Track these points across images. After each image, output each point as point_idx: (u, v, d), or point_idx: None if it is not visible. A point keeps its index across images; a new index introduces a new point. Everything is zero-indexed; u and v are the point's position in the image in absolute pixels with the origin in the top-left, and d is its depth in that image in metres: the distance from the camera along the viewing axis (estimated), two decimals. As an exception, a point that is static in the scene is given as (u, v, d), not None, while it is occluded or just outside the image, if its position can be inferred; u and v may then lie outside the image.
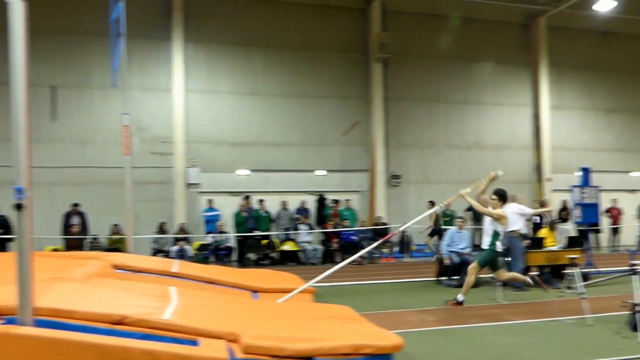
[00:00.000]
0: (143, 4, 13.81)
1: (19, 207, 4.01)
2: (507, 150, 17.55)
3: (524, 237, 9.53)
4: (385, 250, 14.61)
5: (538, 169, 17.78)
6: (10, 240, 12.47)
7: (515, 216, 9.28)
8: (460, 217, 11.23)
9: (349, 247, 14.21)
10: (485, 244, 7.52)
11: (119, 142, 13.63)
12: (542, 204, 12.75)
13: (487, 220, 7.63)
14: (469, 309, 7.44)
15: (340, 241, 14.24)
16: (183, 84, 14.66)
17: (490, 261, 7.50)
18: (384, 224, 15.16)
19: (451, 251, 9.89)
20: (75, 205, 13.18)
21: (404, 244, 15.23)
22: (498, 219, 7.37)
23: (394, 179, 16.35)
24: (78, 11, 13.73)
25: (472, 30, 17.11)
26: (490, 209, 7.47)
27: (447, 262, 9.80)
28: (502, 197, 7.57)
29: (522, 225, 9.44)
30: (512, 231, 9.17)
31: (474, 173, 16.75)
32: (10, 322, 3.90)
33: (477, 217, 15.50)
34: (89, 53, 13.92)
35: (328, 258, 14.12)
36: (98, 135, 14.09)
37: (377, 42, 15.75)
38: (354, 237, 14.39)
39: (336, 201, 15.10)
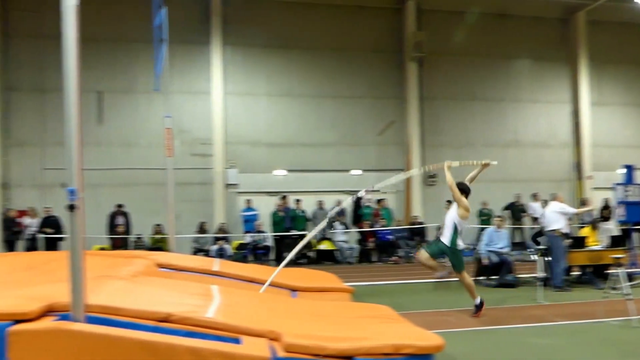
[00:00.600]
0: (184, 11, 14.19)
1: (71, 208, 4.21)
2: (546, 148, 17.15)
3: (565, 236, 9.31)
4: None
5: (578, 166, 17.30)
6: (60, 239, 13.08)
7: (557, 215, 9.09)
8: (499, 216, 11.04)
9: (385, 246, 14.23)
10: (446, 238, 7.07)
11: (161, 145, 14.06)
12: (584, 203, 12.43)
13: (450, 211, 7.21)
14: (509, 309, 7.35)
15: (376, 240, 14.25)
16: (222, 87, 14.99)
17: (460, 260, 7.12)
18: (420, 223, 15.06)
19: (489, 250, 9.76)
20: (120, 206, 13.67)
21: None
22: (463, 209, 6.92)
23: (430, 178, 16.20)
24: (123, 19, 14.28)
25: (508, 27, 16.81)
26: (464, 199, 7.02)
27: (485, 261, 9.68)
28: (464, 191, 7.06)
29: (563, 224, 9.22)
30: (554, 230, 8.98)
31: (512, 171, 16.49)
32: (64, 318, 4.11)
33: (516, 216, 15.26)
34: (133, 59, 14.44)
35: (364, 257, 14.16)
36: (142, 138, 14.59)
37: (412, 42, 15.67)
38: (390, 237, 14.37)
39: (380, 200, 15.05)
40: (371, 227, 14.32)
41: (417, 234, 14.78)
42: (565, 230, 9.34)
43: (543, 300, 7.80)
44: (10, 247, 13.07)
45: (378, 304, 5.61)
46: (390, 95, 16.13)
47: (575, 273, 9.63)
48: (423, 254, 7.29)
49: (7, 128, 14.11)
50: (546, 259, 8.80)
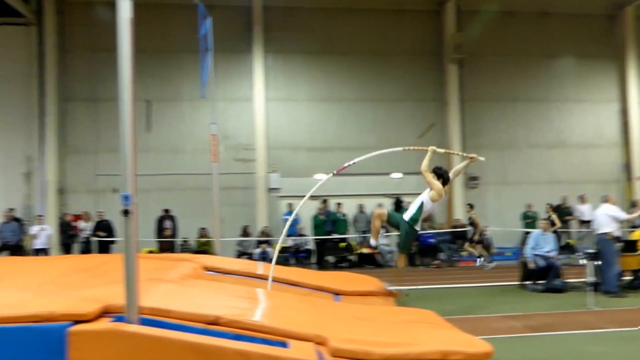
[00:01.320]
0: (227, 21, 14.53)
1: (126, 213, 4.41)
2: (593, 148, 16.58)
3: (617, 240, 8.99)
4: (465, 253, 14.30)
5: (627, 167, 16.63)
6: (112, 242, 13.62)
7: (607, 218, 8.79)
8: (545, 219, 10.76)
9: (428, 250, 14.09)
10: (408, 214, 6.82)
11: (206, 150, 14.44)
12: (634, 205, 11.94)
13: (424, 192, 6.94)
14: (558, 315, 7.15)
15: (418, 244, 14.13)
16: (263, 94, 15.26)
17: (408, 240, 6.94)
18: (463, 226, 14.82)
19: (536, 254, 9.53)
20: (167, 210, 14.10)
21: (484, 246, 14.75)
22: (435, 192, 6.60)
23: (472, 180, 15.95)
24: (169, 31, 14.85)
25: (550, 25, 16.39)
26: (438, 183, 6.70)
27: (531, 266, 9.46)
28: (441, 176, 6.76)
29: (615, 227, 8.90)
30: (605, 233, 8.69)
31: (557, 173, 16.03)
32: (119, 319, 4.29)
33: (563, 218, 14.78)
34: (179, 68, 14.94)
35: (407, 261, 14.03)
36: (187, 144, 15.04)
37: (452, 43, 15.50)
38: (432, 240, 14.22)
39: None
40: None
41: (459, 238, 14.56)
42: (617, 233, 9.02)
43: (593, 306, 7.55)
44: (66, 249, 13.71)
45: (422, 308, 5.58)
46: (431, 97, 16.00)
47: (627, 278, 9.28)
48: (381, 210, 7.17)
49: (63, 137, 14.87)
50: (596, 263, 8.52)
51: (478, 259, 12.44)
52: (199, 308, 4.57)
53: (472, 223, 13.19)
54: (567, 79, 16.61)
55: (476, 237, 12.91)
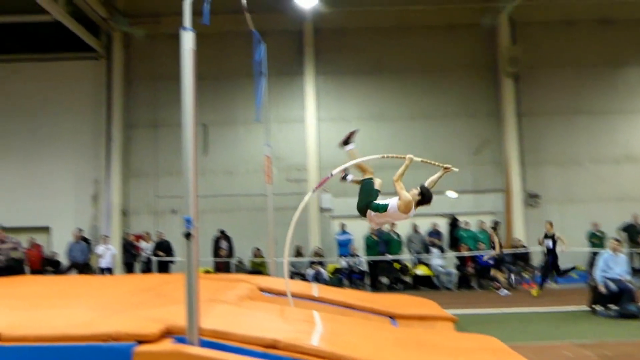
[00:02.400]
0: (279, 45, 14.86)
1: (187, 236, 4.53)
2: (665, 162, 15.56)
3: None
4: (527, 275, 13.72)
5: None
6: (171, 262, 14.05)
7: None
8: (615, 239, 10.14)
9: (486, 271, 13.60)
10: (376, 200, 6.31)
11: (259, 172, 14.81)
12: None
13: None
14: (636, 345, 6.64)
15: (476, 265, 13.69)
16: (315, 114, 15.44)
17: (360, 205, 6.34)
18: (524, 246, 14.25)
19: (606, 277, 8.99)
20: (223, 231, 14.40)
21: (548, 268, 14.07)
22: (403, 204, 6.01)
23: (532, 198, 15.35)
24: (225, 57, 15.35)
25: (613, 33, 15.65)
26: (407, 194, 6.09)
27: (602, 289, 8.92)
28: (424, 195, 6.16)
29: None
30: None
31: (627, 189, 15.16)
32: (180, 340, 4.37)
33: (635, 238, 13.95)
34: (233, 93, 15.40)
35: (463, 283, 13.64)
36: (242, 166, 15.40)
37: (506, 57, 15.12)
38: (490, 261, 13.73)
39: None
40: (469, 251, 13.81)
41: (520, 259, 14.00)
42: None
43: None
44: (129, 268, 14.23)
45: (484, 334, 5.37)
46: (485, 113, 15.62)
47: None
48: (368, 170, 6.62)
49: (127, 161, 15.62)
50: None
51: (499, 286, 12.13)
52: (257, 331, 4.59)
53: (492, 243, 12.88)
54: (633, 88, 15.76)
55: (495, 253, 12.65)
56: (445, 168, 6.44)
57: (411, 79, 15.68)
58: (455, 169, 6.42)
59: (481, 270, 13.56)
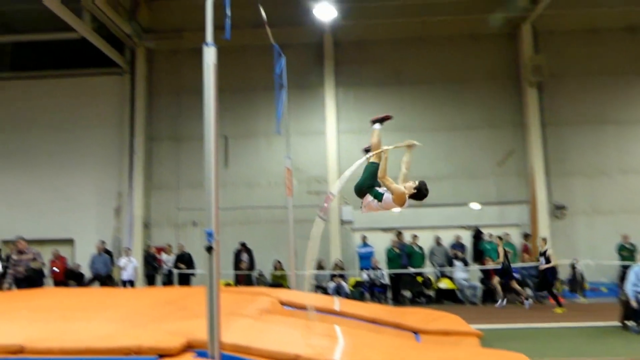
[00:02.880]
0: (299, 58, 14.92)
1: (209, 249, 4.51)
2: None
3: None
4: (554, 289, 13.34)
5: None
6: (192, 275, 14.09)
7: None
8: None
9: (511, 285, 13.29)
10: (375, 186, 6.03)
11: (279, 184, 14.83)
12: None
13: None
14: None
15: (501, 280, 13.37)
16: (335, 126, 15.40)
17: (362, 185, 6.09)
18: (538, 260, 13.87)
19: (638, 292, 8.67)
20: (244, 243, 14.40)
21: (576, 282, 13.73)
22: (396, 198, 5.79)
23: (558, 210, 15.00)
24: (245, 70, 15.45)
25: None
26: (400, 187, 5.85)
27: (634, 304, 8.60)
28: (420, 191, 5.85)
29: None
30: None
31: (658, 200, 14.71)
32: (201, 355, 4.34)
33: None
34: (254, 105, 15.51)
35: (489, 297, 13.35)
36: (262, 178, 15.43)
37: (530, 66, 14.89)
38: (517, 275, 13.43)
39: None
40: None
41: (546, 272, 13.62)
42: None
43: None
44: (150, 281, 14.32)
45: (510, 350, 5.20)
46: (509, 123, 15.37)
47: None
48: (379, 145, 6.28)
49: (149, 174, 15.81)
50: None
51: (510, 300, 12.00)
52: (278, 345, 4.54)
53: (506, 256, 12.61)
54: (661, 97, 15.39)
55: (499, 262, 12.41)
56: (409, 146, 6.32)
57: (432, 90, 15.55)
58: (419, 143, 6.30)
59: (507, 284, 13.26)
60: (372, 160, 6.25)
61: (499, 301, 12.44)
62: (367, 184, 6.07)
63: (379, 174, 6.01)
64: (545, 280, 11.97)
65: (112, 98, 16.24)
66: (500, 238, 13.09)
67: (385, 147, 6.09)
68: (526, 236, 14.39)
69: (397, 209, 6.18)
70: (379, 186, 6.02)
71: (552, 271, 11.91)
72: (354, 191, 6.26)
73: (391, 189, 5.88)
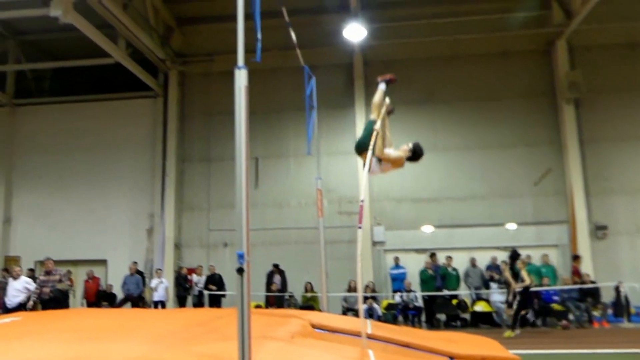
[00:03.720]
0: (329, 78, 14.97)
1: (240, 271, 4.42)
2: None
3: None
4: (597, 313, 12.76)
5: None
6: (223, 296, 14.06)
7: None
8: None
9: (551, 308, 12.80)
10: (370, 143, 5.88)
11: (310, 205, 14.80)
12: None
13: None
14: None
15: (539, 302, 12.90)
16: (366, 146, 15.27)
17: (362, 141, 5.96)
18: (592, 282, 13.32)
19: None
20: (276, 265, 14.33)
21: (621, 305, 13.08)
22: (395, 162, 5.94)
23: (599, 230, 14.44)
24: (275, 92, 15.59)
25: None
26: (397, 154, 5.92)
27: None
28: (415, 152, 5.99)
29: None
30: None
31: None
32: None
33: None
34: (284, 126, 15.60)
35: (526, 321, 12.84)
36: (292, 199, 15.41)
37: (566, 82, 14.53)
38: (555, 298, 12.93)
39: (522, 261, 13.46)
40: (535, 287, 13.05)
41: (588, 295, 13.08)
42: None
43: None
44: (181, 302, 14.35)
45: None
46: (545, 141, 14.97)
47: None
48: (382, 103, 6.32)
49: (180, 194, 16.00)
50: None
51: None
52: (310, 371, 4.39)
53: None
54: None
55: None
56: (388, 112, 6.41)
57: (465, 108, 15.32)
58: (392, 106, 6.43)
59: (545, 308, 12.78)
60: (372, 117, 6.25)
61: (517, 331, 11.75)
62: (368, 142, 5.99)
63: (377, 152, 5.96)
64: (524, 301, 11.56)
65: (146, 121, 16.60)
66: (522, 261, 12.57)
67: (376, 127, 6.05)
68: (575, 257, 13.86)
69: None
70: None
71: (529, 293, 11.64)
72: (355, 150, 6.30)
73: (391, 159, 5.98)
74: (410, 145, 6.03)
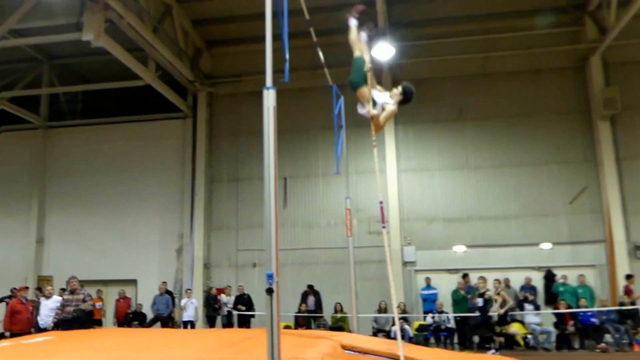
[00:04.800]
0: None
1: (269, 291, 4.39)
2: None
3: None
4: (638, 337, 12.19)
5: None
6: (252, 316, 13.99)
7: None
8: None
9: (590, 330, 12.31)
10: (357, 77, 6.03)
11: (339, 224, 14.69)
12: None
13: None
14: None
15: (577, 324, 12.43)
16: (395, 165, 15.13)
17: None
18: (632, 303, 12.76)
19: None
20: (311, 286, 14.19)
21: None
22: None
23: (638, 249, 13.89)
24: (303, 111, 15.60)
25: None
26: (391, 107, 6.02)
27: None
28: (406, 94, 6.11)
29: None
30: None
31: None
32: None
33: None
34: (312, 146, 15.61)
35: (564, 343, 12.41)
36: (321, 219, 15.34)
37: (601, 99, 14.16)
38: (594, 320, 12.43)
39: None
40: (569, 308, 12.61)
41: (628, 317, 12.52)
42: None
43: None
44: (210, 322, 14.32)
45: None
46: (580, 159, 14.55)
47: None
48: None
49: (209, 214, 16.08)
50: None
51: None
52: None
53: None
54: None
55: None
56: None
57: (496, 126, 15.03)
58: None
59: (585, 330, 12.29)
60: (356, 54, 6.32)
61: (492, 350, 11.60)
62: (357, 79, 6.17)
63: (373, 130, 6.30)
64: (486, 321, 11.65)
65: (175, 141, 16.80)
66: (498, 281, 12.73)
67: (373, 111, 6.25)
68: (629, 277, 13.33)
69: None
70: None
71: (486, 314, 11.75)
72: (350, 89, 6.42)
73: (388, 111, 6.19)
74: (400, 88, 6.06)
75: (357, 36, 6.36)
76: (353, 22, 6.48)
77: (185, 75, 15.58)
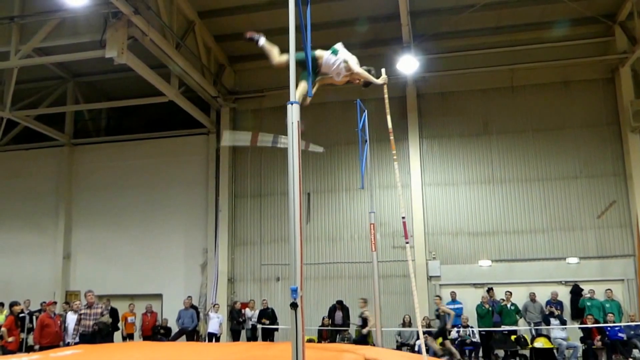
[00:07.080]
0: (382, 111, 14.95)
1: (294, 306, 4.43)
2: None
3: None
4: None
5: None
6: (275, 329, 14.00)
7: None
8: None
9: (618, 346, 12.02)
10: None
11: (362, 238, 14.64)
12: None
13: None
14: None
15: (604, 338, 12.15)
16: (420, 179, 14.99)
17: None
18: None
19: None
20: (340, 301, 14.01)
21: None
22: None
23: (665, 263, 13.53)
24: (326, 126, 15.53)
25: None
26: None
27: None
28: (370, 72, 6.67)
29: None
30: None
31: None
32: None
33: None
34: (336, 160, 15.60)
35: (591, 358, 12.14)
36: (345, 233, 15.29)
37: (631, 111, 13.84)
38: (622, 335, 12.14)
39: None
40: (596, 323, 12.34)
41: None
42: None
43: None
44: (235, 336, 14.36)
45: None
46: (609, 172, 14.22)
47: None
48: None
49: (233, 230, 16.19)
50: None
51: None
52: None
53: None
54: None
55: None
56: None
57: (523, 139, 14.79)
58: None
59: (612, 345, 12.00)
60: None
61: None
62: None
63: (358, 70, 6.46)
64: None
65: (199, 157, 16.92)
66: (439, 297, 12.86)
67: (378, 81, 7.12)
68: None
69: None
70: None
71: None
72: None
73: (363, 75, 6.64)
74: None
75: (270, 49, 6.48)
76: (261, 42, 6.58)
77: (209, 91, 15.73)
